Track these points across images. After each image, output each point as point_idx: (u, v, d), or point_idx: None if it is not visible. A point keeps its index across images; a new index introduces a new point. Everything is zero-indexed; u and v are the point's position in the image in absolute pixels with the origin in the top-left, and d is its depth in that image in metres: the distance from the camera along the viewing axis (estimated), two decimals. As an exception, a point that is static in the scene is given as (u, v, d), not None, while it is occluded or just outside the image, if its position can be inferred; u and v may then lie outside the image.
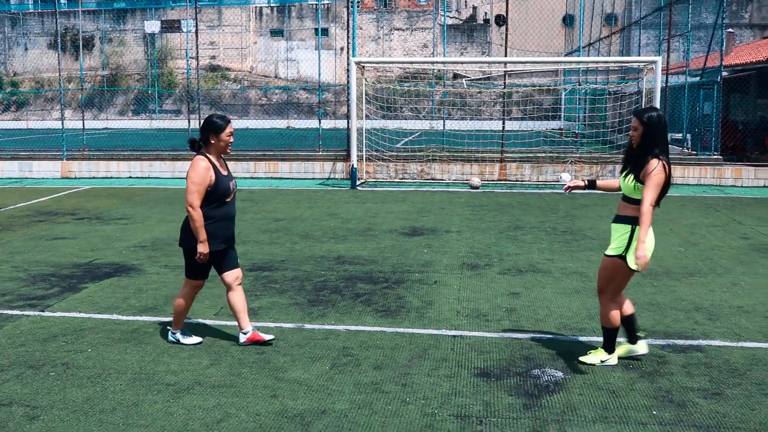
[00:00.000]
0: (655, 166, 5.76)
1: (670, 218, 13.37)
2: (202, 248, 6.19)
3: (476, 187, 17.45)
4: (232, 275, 6.49)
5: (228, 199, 6.38)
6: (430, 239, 11.54)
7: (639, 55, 32.24)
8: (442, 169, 19.36)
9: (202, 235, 6.18)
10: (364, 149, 19.15)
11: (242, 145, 25.17)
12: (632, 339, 6.36)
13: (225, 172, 6.40)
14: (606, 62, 23.85)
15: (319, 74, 21.55)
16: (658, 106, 17.15)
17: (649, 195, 5.74)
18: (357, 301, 8.08)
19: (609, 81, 32.29)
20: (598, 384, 5.81)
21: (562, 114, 35.97)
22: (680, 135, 24.44)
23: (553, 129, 36.74)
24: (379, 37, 57.10)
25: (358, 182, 18.23)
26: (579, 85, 33.07)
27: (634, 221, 5.84)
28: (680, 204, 15.48)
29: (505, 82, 21.58)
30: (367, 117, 19.40)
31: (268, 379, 5.86)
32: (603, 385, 5.78)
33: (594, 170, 19.16)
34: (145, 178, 20.64)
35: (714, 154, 20.52)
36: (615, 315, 6.13)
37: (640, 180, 5.81)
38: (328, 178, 19.63)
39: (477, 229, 12.39)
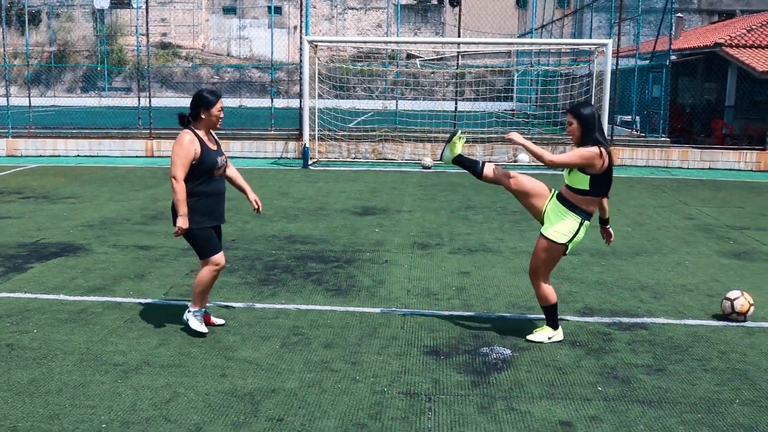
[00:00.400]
0: (586, 150, 5.87)
1: (619, 199, 13.58)
2: (182, 222, 6.02)
3: (428, 167, 17.52)
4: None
5: (216, 174, 6.26)
6: (381, 219, 11.57)
7: (591, 38, 32.54)
8: (395, 149, 19.38)
9: (183, 209, 6.02)
10: (317, 128, 19.07)
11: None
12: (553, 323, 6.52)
13: (214, 147, 6.27)
14: (557, 44, 24.07)
15: (272, 52, 21.37)
16: (608, 88, 17.37)
17: (567, 156, 5.95)
18: (308, 281, 8.08)
19: (561, 63, 32.54)
20: (545, 361, 5.91)
21: (514, 95, 36.16)
22: (630, 117, 24.79)
23: (505, 110, 36.96)
24: (333, 16, 56.73)
25: (310, 162, 18.16)
26: (531, 66, 33.26)
27: (579, 211, 5.99)
28: (629, 185, 15.74)
29: (458, 63, 21.65)
30: (320, 96, 19.29)
31: (218, 358, 5.83)
32: (550, 362, 5.88)
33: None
34: (94, 156, 20.27)
35: (662, 137, 20.88)
36: (550, 291, 6.25)
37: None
38: (280, 158, 19.52)
39: (428, 209, 12.46)
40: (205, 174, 6.15)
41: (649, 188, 15.49)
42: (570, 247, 6.08)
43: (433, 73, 44.65)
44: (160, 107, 24.49)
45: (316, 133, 19.08)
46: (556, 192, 6.17)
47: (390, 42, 25.72)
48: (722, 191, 15.43)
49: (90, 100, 47.94)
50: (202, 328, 6.31)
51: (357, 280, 8.11)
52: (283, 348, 6.09)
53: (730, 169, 19.53)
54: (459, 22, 20.19)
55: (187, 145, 6.05)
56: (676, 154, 19.55)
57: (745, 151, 19.75)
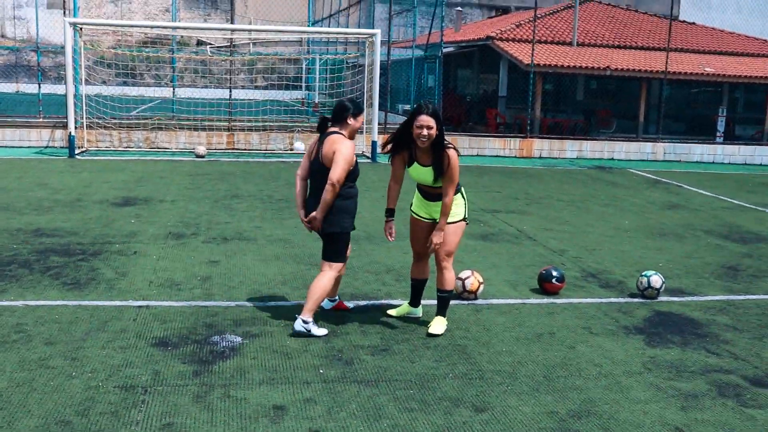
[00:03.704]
0: (456, 158, 6.02)
1: (385, 186, 13.93)
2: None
3: (202, 156, 17.19)
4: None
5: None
6: (141, 209, 11.20)
7: (373, 29, 33.18)
8: (169, 138, 18.84)
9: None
10: (84, 116, 18.16)
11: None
12: (417, 302, 6.76)
13: None
14: (328, 33, 24.41)
15: (37, 33, 20.17)
16: (377, 78, 17.77)
17: (453, 188, 6.08)
18: (46, 275, 7.66)
19: (347, 52, 32.99)
20: (273, 347, 5.94)
21: (303, 84, 36.31)
22: (409, 106, 25.56)
23: (296, 99, 37.06)
24: (118, -1, 54.30)
25: (77, 151, 17.26)
26: (319, 56, 33.51)
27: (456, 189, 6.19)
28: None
29: (231, 48, 21.38)
30: (105, 83, 18.41)
31: None
32: (278, 348, 5.92)
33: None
34: None
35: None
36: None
37: (444, 174, 6.03)
38: (46, 147, 18.42)
39: (193, 198, 12.21)
40: (355, 178, 6.24)
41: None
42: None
43: (211, 58, 43.76)
44: None
45: (84, 120, 18.16)
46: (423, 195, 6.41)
47: (155, 26, 24.98)
48: (485, 176, 16.28)
49: None
50: (324, 330, 6.28)
51: (99, 273, 7.79)
52: (-2, 347, 5.74)
53: (497, 156, 20.66)
54: (232, 8, 19.83)
55: (353, 150, 6.13)
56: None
57: (509, 138, 20.94)
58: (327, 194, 6.00)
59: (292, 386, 5.23)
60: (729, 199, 14.83)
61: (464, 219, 6.40)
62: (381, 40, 18.17)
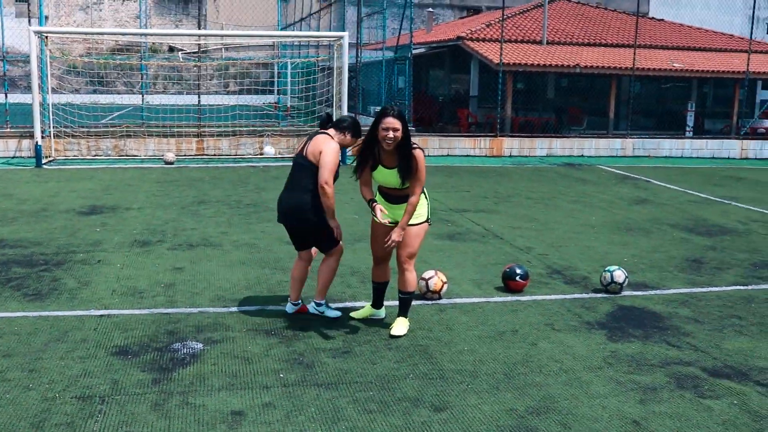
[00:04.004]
0: (422, 157, 6.02)
1: (353, 187, 13.92)
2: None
3: (171, 163, 17.11)
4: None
5: None
6: (107, 217, 11.12)
7: (344, 31, 33.17)
8: (138, 145, 18.72)
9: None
10: (51, 125, 18.01)
11: None
12: (379, 304, 6.74)
13: None
14: (296, 37, 24.44)
15: (2, 42, 19.92)
16: (345, 80, 17.78)
17: (420, 188, 6.07)
18: (6, 287, 7.58)
19: (319, 55, 32.96)
20: (234, 353, 5.92)
21: (276, 88, 36.23)
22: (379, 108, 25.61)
23: (269, 102, 36.93)
24: (89, 6, 53.98)
25: (44, 160, 17.12)
26: (290, 60, 33.44)
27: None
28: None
29: (199, 54, 21.29)
30: (77, 91, 18.29)
31: None
32: (239, 354, 5.90)
33: (291, 144, 19.50)
34: None
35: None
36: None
37: (411, 175, 6.00)
38: (13, 157, 18.25)
39: (160, 205, 12.14)
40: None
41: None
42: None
43: (195, 66, 43.61)
44: None
45: (51, 130, 18.01)
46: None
47: (117, 33, 24.94)
48: (454, 176, 16.32)
49: None
50: (337, 312, 6.73)
51: (61, 283, 7.73)
52: (-46, 361, 5.68)
53: (467, 155, 20.73)
54: (200, 13, 19.74)
55: (338, 153, 6.32)
56: (417, 141, 20.38)
57: (479, 138, 21.02)
58: (324, 198, 6.19)
59: (251, 391, 5.22)
60: (696, 193, 14.98)
61: (427, 220, 6.37)
62: (351, 43, 18.18)
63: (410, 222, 6.16)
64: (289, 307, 6.80)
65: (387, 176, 6.13)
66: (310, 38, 24.62)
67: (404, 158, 5.99)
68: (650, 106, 29.15)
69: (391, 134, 5.87)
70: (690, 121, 25.30)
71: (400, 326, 6.41)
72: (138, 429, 4.65)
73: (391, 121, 5.87)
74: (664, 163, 20.52)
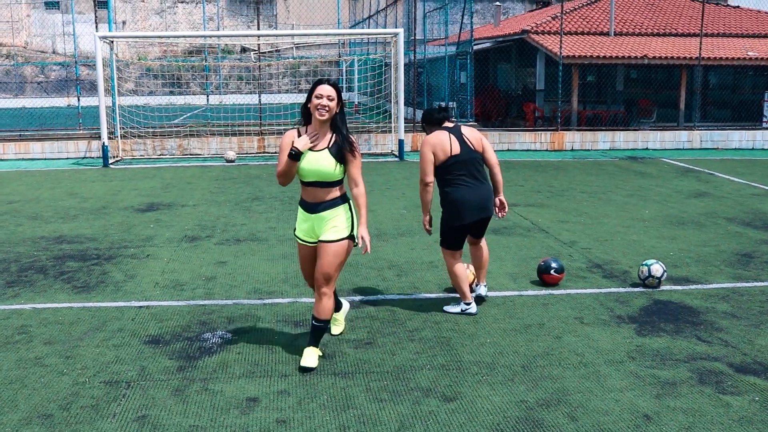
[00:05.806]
0: (354, 140, 5.53)
1: (407, 184, 14.05)
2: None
3: (231, 161, 17.51)
4: None
5: None
6: (162, 214, 11.51)
7: (414, 27, 33.25)
8: (201, 144, 19.22)
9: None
10: (119, 126, 18.66)
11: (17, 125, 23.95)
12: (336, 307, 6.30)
13: None
14: (352, 35, 24.63)
15: (75, 47, 20.71)
16: (402, 76, 17.86)
17: (361, 175, 5.57)
18: (58, 280, 7.96)
19: (385, 52, 33.17)
20: (261, 342, 6.10)
21: (344, 85, 36.58)
22: (444, 103, 25.61)
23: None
24: (164, 10, 55.41)
25: (111, 160, 17.76)
26: (357, 57, 33.74)
27: (342, 200, 5.56)
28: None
29: (260, 53, 21.62)
30: (152, 93, 18.92)
31: None
32: (265, 343, 6.08)
33: (358, 141, 19.67)
34: None
35: (470, 121, 21.68)
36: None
37: (346, 159, 5.48)
38: (83, 158, 18.96)
39: (214, 202, 12.48)
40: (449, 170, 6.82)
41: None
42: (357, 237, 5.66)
43: (269, 65, 44.37)
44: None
45: (118, 131, 18.66)
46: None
47: (182, 36, 25.54)
48: (510, 171, 16.23)
49: None
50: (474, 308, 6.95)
51: (109, 276, 8.07)
52: (0, 347, 6.01)
53: (528, 150, 20.58)
54: (257, 15, 20.13)
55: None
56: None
57: (540, 132, 20.84)
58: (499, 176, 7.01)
59: (269, 379, 5.38)
60: (760, 186, 14.56)
61: (350, 237, 5.59)
62: (417, 39, 18.26)
63: (329, 238, 5.48)
64: (482, 289, 7.22)
65: (315, 161, 5.42)
66: (365, 35, 24.71)
67: (339, 137, 5.48)
68: (725, 96, 28.33)
69: (325, 101, 5.33)
70: (767, 111, 24.50)
71: (311, 357, 5.60)
72: (155, 413, 4.86)
73: (325, 88, 5.38)
74: (732, 156, 19.96)
